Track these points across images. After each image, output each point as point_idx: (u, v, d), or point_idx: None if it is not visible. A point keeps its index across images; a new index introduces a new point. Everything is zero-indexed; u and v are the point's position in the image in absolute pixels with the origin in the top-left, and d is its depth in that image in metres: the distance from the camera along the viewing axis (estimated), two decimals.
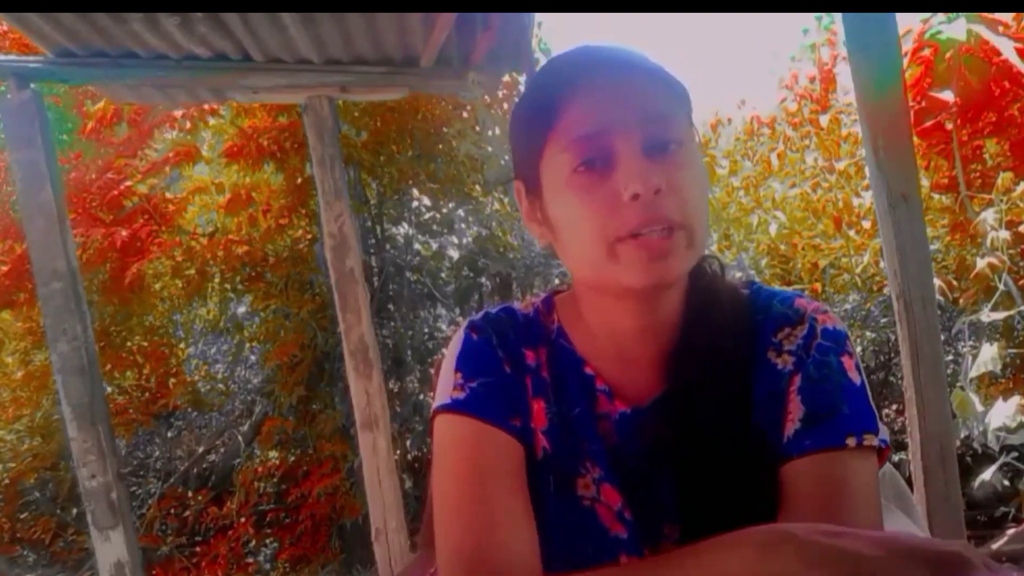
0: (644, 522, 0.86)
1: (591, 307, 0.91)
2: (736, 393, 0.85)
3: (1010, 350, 3.34)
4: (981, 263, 2.92)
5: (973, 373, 2.83)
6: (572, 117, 0.79)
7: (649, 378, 0.89)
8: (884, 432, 0.81)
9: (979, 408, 2.79)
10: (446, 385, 0.89)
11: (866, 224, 3.88)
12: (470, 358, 0.90)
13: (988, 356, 2.78)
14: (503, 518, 0.79)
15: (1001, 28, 2.99)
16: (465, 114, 4.75)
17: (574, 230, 0.81)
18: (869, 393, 0.84)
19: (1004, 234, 2.88)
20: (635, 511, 0.87)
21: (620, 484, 0.87)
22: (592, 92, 0.79)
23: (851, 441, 0.78)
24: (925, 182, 3.49)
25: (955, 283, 3.26)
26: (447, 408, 0.87)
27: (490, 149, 4.78)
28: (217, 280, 4.71)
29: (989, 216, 2.94)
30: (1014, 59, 2.90)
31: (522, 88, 4.77)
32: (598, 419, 0.89)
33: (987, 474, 2.92)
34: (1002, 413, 2.65)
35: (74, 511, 4.77)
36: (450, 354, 0.92)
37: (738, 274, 4.64)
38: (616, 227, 0.77)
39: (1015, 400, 2.68)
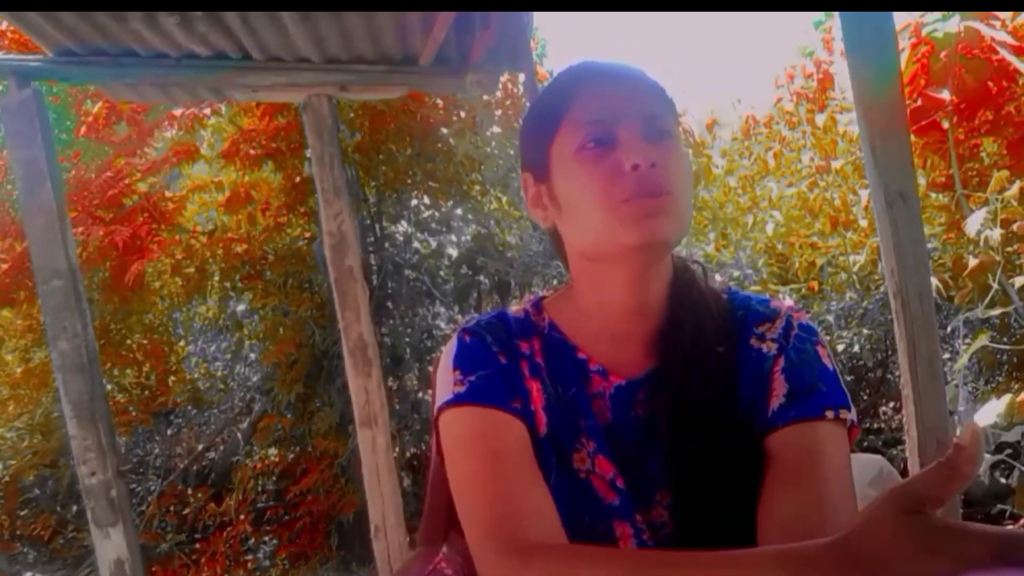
0: (636, 490, 0.93)
1: (587, 285, 0.99)
2: (722, 371, 0.94)
3: (1004, 346, 3.36)
4: (973, 262, 2.94)
5: (960, 363, 2.85)
6: (583, 105, 0.92)
7: (640, 355, 0.97)
8: (854, 413, 0.92)
9: (961, 406, 2.81)
10: (445, 385, 0.95)
11: (863, 223, 3.90)
12: (466, 357, 0.97)
13: (979, 347, 2.80)
14: (523, 491, 0.86)
15: (998, 24, 3.00)
16: (463, 113, 4.76)
17: (581, 198, 0.91)
18: (841, 379, 0.95)
19: (996, 232, 2.89)
20: (627, 480, 0.93)
21: (612, 455, 0.94)
22: (600, 89, 0.93)
23: (829, 413, 0.88)
24: (922, 181, 3.50)
25: (951, 281, 3.27)
26: (450, 403, 0.94)
27: (488, 149, 4.79)
28: (216, 278, 4.72)
29: (978, 217, 2.94)
30: (1011, 57, 2.91)
31: (521, 88, 4.78)
32: (592, 398, 0.97)
33: (980, 471, 2.92)
34: (992, 412, 2.66)
35: (74, 508, 4.79)
36: (445, 358, 0.99)
37: (735, 273, 4.66)
38: (617, 192, 0.87)
39: (1007, 398, 2.68)
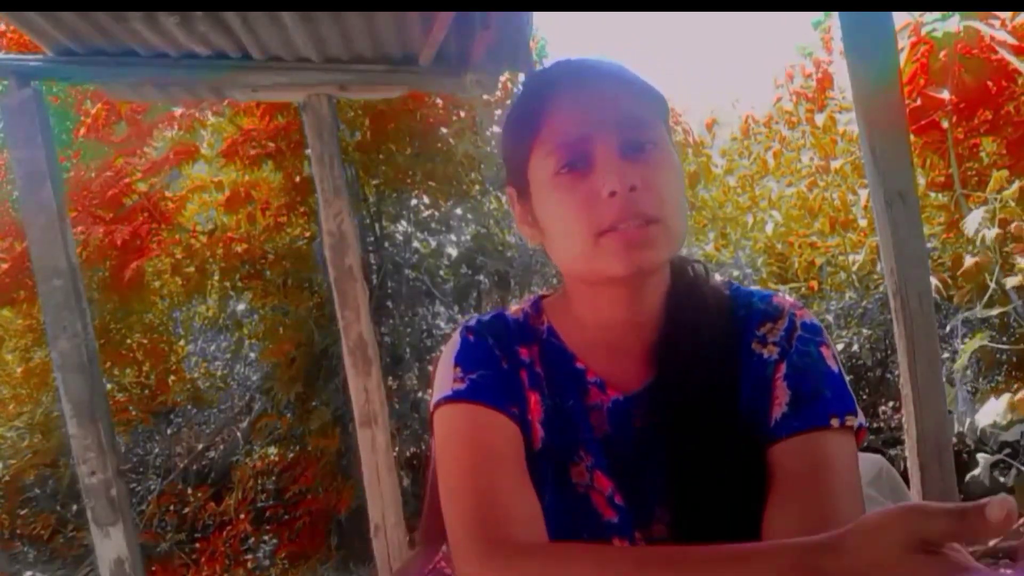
0: (635, 506, 0.91)
1: (581, 300, 0.96)
2: (722, 380, 0.90)
3: (1003, 345, 3.36)
4: (969, 261, 2.94)
5: (959, 363, 2.86)
6: (554, 124, 0.86)
7: (638, 368, 0.94)
8: (861, 416, 0.87)
9: (960, 406, 2.82)
10: (445, 380, 0.93)
11: (863, 222, 3.90)
12: (468, 355, 0.95)
13: (977, 347, 2.81)
14: (508, 489, 0.84)
15: (998, 24, 3.00)
16: (463, 113, 4.76)
17: (561, 226, 0.88)
18: (846, 380, 0.90)
19: (992, 232, 2.90)
20: (626, 496, 0.91)
21: (610, 471, 0.92)
22: (572, 101, 0.87)
23: (835, 421, 0.84)
24: (921, 180, 3.50)
25: (950, 281, 3.27)
26: (448, 399, 0.91)
27: (488, 148, 4.79)
28: (216, 278, 4.71)
29: (976, 217, 2.95)
30: (1010, 57, 2.91)
31: (521, 88, 4.78)
32: (590, 410, 0.94)
33: (976, 469, 2.93)
34: (992, 411, 2.67)
35: (74, 507, 4.78)
36: (447, 355, 0.97)
37: (735, 272, 4.66)
38: (597, 221, 0.83)
39: (1005, 398, 2.69)
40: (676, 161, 0.90)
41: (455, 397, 0.91)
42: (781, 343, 0.91)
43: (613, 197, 0.82)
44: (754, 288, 1.00)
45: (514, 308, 1.04)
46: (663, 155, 0.87)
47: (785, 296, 0.98)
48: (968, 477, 2.97)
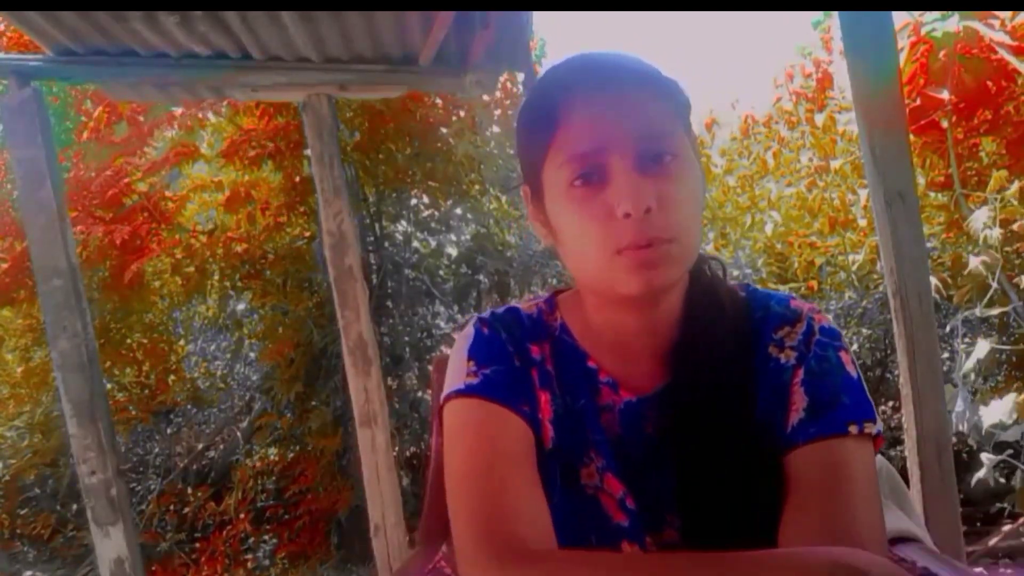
0: (646, 510, 0.89)
1: (594, 306, 0.94)
2: (737, 385, 0.88)
3: (1004, 346, 3.36)
4: (974, 261, 2.94)
5: (966, 367, 2.85)
6: (569, 132, 0.82)
7: (652, 371, 0.92)
8: (879, 423, 0.85)
9: (959, 405, 2.82)
10: (458, 373, 0.91)
11: (862, 222, 3.90)
12: (482, 348, 0.93)
13: (983, 351, 2.80)
14: (516, 488, 0.82)
15: (997, 24, 3.00)
16: (463, 113, 4.77)
17: (573, 240, 0.85)
18: (865, 386, 0.88)
19: (996, 232, 2.90)
20: (637, 500, 0.90)
21: (622, 474, 0.90)
22: (589, 107, 0.82)
23: (853, 428, 0.82)
24: (921, 180, 3.50)
25: (950, 281, 3.27)
26: (460, 393, 0.89)
27: (488, 148, 4.80)
28: (216, 277, 4.72)
29: (981, 216, 2.95)
30: (1009, 57, 2.91)
31: (520, 87, 4.79)
32: (601, 411, 0.92)
33: (981, 471, 2.93)
34: (997, 411, 2.66)
35: (74, 507, 4.79)
36: (460, 346, 0.95)
37: (735, 272, 4.66)
38: (611, 241, 0.81)
39: (1010, 398, 2.69)
40: (695, 169, 0.87)
41: (467, 391, 0.89)
42: (799, 347, 0.89)
43: (627, 219, 0.79)
44: (772, 290, 0.98)
45: (528, 302, 1.01)
46: (681, 167, 0.83)
47: (802, 300, 0.96)
48: (974, 481, 2.95)
